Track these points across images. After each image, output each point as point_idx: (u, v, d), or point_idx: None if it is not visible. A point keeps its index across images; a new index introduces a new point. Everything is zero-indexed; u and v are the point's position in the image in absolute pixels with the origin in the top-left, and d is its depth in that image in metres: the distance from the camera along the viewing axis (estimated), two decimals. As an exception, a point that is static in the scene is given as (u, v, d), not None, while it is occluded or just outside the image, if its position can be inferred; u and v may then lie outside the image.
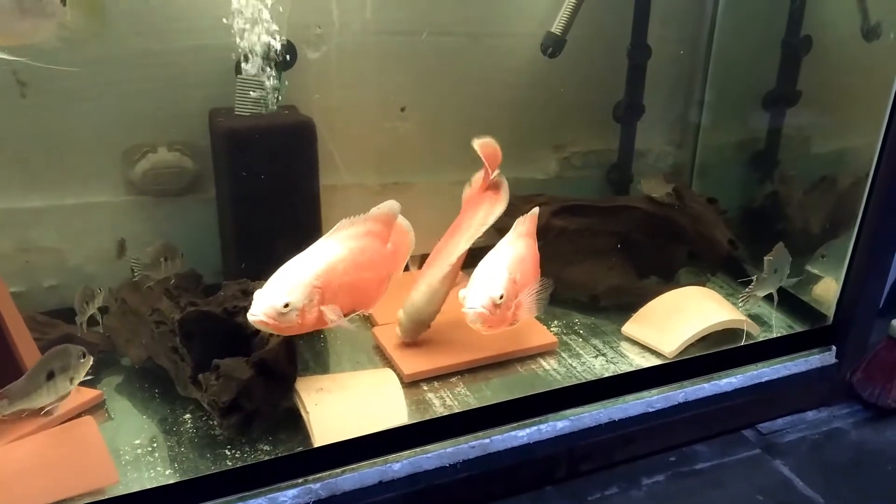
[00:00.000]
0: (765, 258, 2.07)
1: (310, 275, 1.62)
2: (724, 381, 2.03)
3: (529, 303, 1.86)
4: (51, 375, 1.65)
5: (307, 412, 1.74)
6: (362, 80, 2.21)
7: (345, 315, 1.68)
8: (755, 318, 2.23)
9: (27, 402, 1.64)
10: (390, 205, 1.83)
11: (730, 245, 2.32)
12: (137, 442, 1.72)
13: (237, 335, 1.82)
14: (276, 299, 1.57)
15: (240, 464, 1.65)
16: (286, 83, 2.03)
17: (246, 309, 1.84)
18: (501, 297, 1.75)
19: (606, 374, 2.01)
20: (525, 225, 2.00)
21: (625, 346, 2.15)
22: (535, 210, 2.07)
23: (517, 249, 1.90)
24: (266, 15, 1.90)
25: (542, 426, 1.84)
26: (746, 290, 2.10)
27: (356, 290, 1.72)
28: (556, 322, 2.25)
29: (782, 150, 2.52)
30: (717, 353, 2.07)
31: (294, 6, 1.97)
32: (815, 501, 1.85)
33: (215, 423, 1.74)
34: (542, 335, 2.13)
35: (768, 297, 2.15)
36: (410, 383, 1.94)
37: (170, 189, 2.11)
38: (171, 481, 1.60)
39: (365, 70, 2.20)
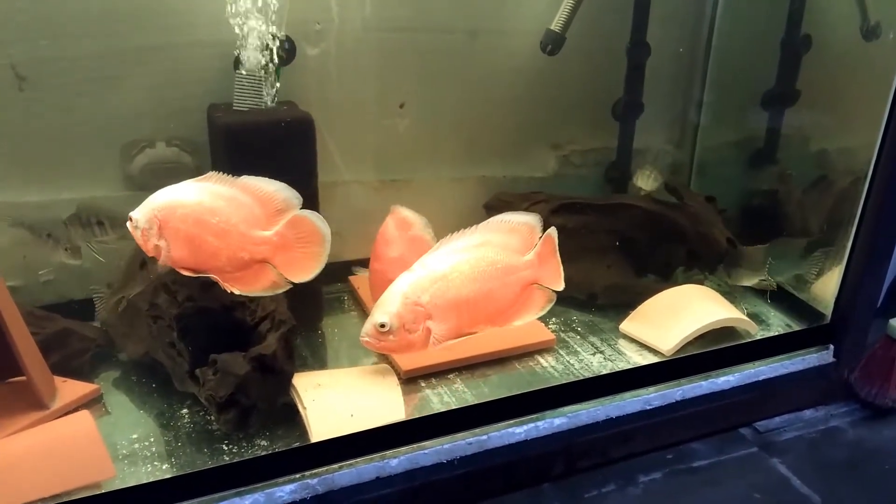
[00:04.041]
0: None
1: (157, 201, 1.63)
2: (722, 379, 2.04)
3: (451, 328, 1.68)
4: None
5: (304, 408, 1.74)
6: (361, 77, 2.21)
7: (193, 271, 1.64)
8: (753, 316, 2.24)
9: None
10: (279, 187, 1.66)
11: (728, 244, 2.32)
12: (134, 436, 1.72)
13: (235, 330, 1.83)
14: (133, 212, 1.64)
15: (237, 459, 1.65)
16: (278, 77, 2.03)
17: (243, 304, 1.85)
18: (384, 326, 1.63)
19: (604, 372, 2.02)
20: (471, 236, 1.74)
21: (622, 344, 2.16)
22: (484, 224, 1.77)
23: (441, 266, 1.69)
24: (265, 11, 1.90)
25: (540, 423, 1.83)
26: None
27: (194, 246, 1.62)
28: (554, 319, 2.25)
29: (781, 149, 2.53)
30: (714, 351, 2.07)
31: (293, 2, 1.97)
32: (811, 500, 1.85)
33: (212, 418, 1.74)
34: (540, 332, 2.13)
35: (762, 294, 2.18)
36: (408, 379, 1.94)
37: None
38: (168, 476, 1.60)
39: (364, 66, 2.20)
